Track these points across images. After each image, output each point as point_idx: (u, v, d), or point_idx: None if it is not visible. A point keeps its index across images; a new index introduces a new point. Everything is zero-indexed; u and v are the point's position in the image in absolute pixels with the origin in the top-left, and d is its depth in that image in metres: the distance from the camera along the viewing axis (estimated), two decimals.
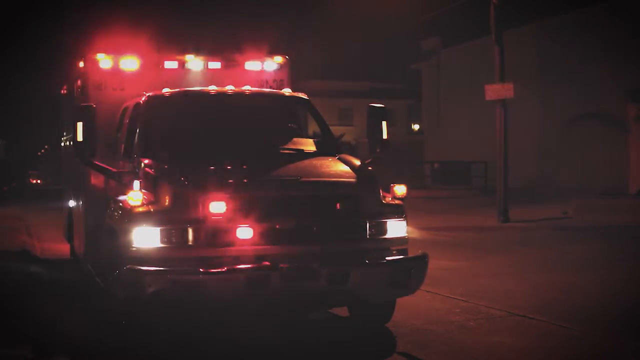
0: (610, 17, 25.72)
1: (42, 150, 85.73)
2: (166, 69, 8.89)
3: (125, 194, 6.49)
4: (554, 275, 10.28)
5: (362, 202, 6.53)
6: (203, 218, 6.06)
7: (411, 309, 7.87)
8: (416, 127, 50.44)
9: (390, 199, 6.90)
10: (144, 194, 6.39)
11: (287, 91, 8.56)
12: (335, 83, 49.96)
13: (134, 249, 6.12)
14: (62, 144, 12.25)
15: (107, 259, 7.07)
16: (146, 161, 6.82)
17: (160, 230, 6.04)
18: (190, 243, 6.05)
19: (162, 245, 6.04)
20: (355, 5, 28.52)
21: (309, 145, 7.69)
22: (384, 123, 7.51)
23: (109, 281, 6.95)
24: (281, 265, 6.05)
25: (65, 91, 11.55)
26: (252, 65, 9.17)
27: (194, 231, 6.05)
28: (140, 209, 6.22)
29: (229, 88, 8.07)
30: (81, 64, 9.31)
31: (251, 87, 8.42)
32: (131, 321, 6.47)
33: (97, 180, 8.56)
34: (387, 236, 6.62)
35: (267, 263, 6.07)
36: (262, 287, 6.01)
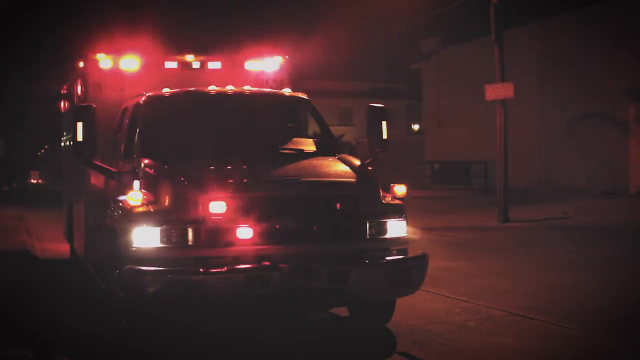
0: (610, 17, 25.73)
1: (42, 150, 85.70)
2: (166, 69, 8.89)
3: (125, 194, 6.49)
4: (554, 275, 10.27)
5: (362, 202, 6.52)
6: (203, 218, 6.06)
7: (411, 309, 7.87)
8: (416, 127, 50.43)
9: (390, 199, 6.90)
10: (144, 194, 6.39)
11: (287, 91, 8.55)
12: (335, 83, 49.94)
13: (134, 249, 6.12)
14: (62, 144, 12.25)
15: (107, 259, 7.07)
16: (146, 161, 6.82)
17: (160, 230, 6.04)
18: (190, 243, 6.05)
19: (162, 245, 6.04)
20: (356, 5, 28.53)
21: (309, 145, 7.68)
22: (384, 123, 7.50)
23: (109, 281, 6.95)
24: (281, 265, 6.06)
25: (65, 91, 11.55)
26: (252, 65, 9.17)
27: (194, 231, 6.04)
28: (140, 209, 6.22)
29: (229, 88, 8.07)
30: (81, 64, 9.31)
31: (251, 87, 8.42)
32: (131, 321, 6.47)
33: (97, 180, 8.55)
34: (387, 236, 6.61)
35: (267, 263, 6.07)
36: (262, 287, 6.01)
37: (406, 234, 6.85)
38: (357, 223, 6.47)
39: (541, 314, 7.64)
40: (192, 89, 8.18)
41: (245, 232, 6.12)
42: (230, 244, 6.11)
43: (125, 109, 8.12)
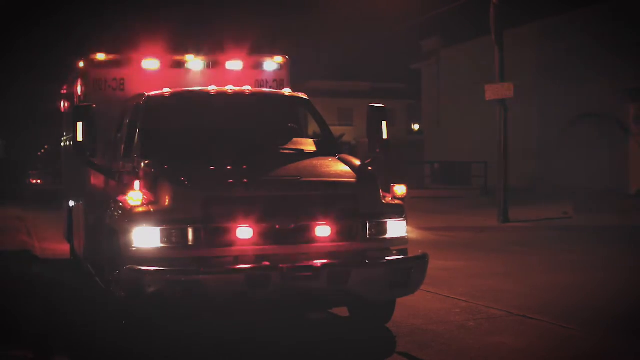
0: (610, 17, 25.73)
1: (42, 150, 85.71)
2: (166, 69, 8.89)
3: (125, 194, 6.49)
4: (554, 275, 10.28)
5: (362, 202, 6.52)
6: (203, 218, 6.06)
7: (411, 309, 7.88)
8: (416, 127, 50.47)
9: (390, 199, 6.90)
10: (144, 194, 6.39)
11: (287, 91, 8.55)
12: (335, 83, 50.01)
13: (134, 249, 6.12)
14: (62, 144, 12.25)
15: (107, 259, 7.08)
16: (146, 161, 6.82)
17: (160, 230, 6.04)
18: (190, 243, 6.05)
19: (162, 245, 6.04)
20: (356, 6, 28.55)
21: (309, 145, 7.68)
22: (384, 123, 7.50)
23: (109, 281, 6.96)
24: (281, 265, 6.06)
25: (65, 91, 11.55)
26: (251, 65, 9.16)
27: (194, 231, 6.05)
28: (140, 209, 6.22)
29: (229, 88, 8.07)
30: (81, 64, 9.31)
31: (251, 87, 8.42)
32: (131, 321, 6.48)
33: (97, 180, 8.56)
34: (387, 236, 6.62)
35: (267, 263, 6.07)
36: (262, 287, 6.01)
37: (406, 234, 6.85)
38: (357, 223, 6.47)
39: (541, 313, 7.65)
40: (192, 88, 8.19)
41: (245, 232, 6.12)
42: (230, 244, 6.11)
43: (126, 109, 8.12)
